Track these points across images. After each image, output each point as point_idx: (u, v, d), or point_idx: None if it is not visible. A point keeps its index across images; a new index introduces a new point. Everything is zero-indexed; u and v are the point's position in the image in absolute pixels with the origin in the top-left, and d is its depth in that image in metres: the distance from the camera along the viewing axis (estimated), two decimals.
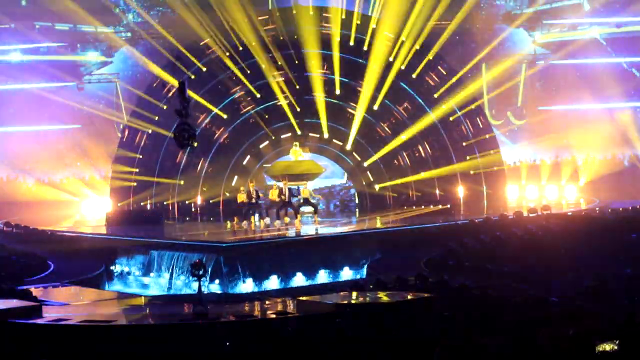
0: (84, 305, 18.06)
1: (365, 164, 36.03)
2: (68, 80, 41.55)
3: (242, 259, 23.91)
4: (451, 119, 35.71)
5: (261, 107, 35.44)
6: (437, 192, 35.39)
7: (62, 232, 30.20)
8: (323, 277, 24.50)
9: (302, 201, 29.75)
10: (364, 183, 36.47)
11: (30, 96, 40.96)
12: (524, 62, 42.61)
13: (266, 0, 37.09)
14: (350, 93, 35.48)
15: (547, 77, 43.16)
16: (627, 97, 42.14)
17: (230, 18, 34.57)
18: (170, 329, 13.58)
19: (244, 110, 35.67)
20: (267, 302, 17.33)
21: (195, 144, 17.31)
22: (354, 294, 16.17)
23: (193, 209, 35.61)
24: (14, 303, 14.93)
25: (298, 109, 35.23)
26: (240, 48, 34.99)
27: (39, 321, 13.71)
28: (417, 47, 35.22)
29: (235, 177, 35.49)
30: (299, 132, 35.31)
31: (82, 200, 41.15)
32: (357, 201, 37.70)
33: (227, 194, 34.95)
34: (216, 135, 35.56)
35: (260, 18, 35.63)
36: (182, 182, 35.19)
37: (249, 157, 35.89)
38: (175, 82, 25.28)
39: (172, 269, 24.52)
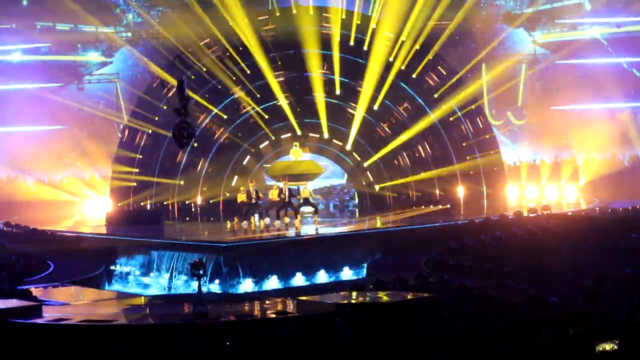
0: (84, 305, 18.04)
1: (365, 164, 36.03)
2: (68, 80, 41.57)
3: (242, 259, 23.91)
4: (451, 119, 35.71)
5: (261, 107, 35.43)
6: (437, 192, 35.38)
7: (62, 232, 30.17)
8: (323, 277, 24.50)
9: (302, 201, 29.74)
10: (364, 183, 36.46)
11: (30, 96, 40.97)
12: (524, 62, 42.60)
13: (266, 0, 37.09)
14: (350, 93, 35.47)
15: (547, 77, 43.15)
16: (627, 97, 42.15)
17: (230, 18, 34.55)
18: (170, 329, 13.57)
19: (244, 110, 35.66)
20: (267, 302, 17.32)
21: (196, 144, 17.32)
22: (354, 294, 16.15)
23: (193, 209, 35.61)
24: (14, 303, 14.92)
25: (298, 109, 35.23)
26: (240, 48, 34.99)
27: (39, 321, 13.70)
28: (417, 47, 35.22)
29: (235, 177, 35.49)
30: (299, 132, 35.31)
31: (82, 200, 41.13)
32: (357, 201, 37.69)
33: (227, 194, 34.94)
34: (216, 135, 35.56)
35: (260, 18, 35.65)
36: (182, 182, 35.19)
37: (249, 157, 35.89)
38: (174, 82, 25.27)
39: (172, 269, 24.52)
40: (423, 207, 34.50)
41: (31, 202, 40.84)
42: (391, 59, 34.94)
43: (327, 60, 35.15)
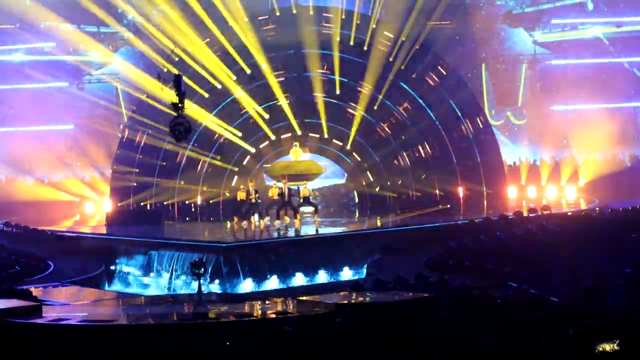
0: (84, 305, 18.05)
1: (365, 164, 36.01)
2: (68, 80, 41.57)
3: (242, 259, 23.93)
4: (451, 119, 35.68)
5: (261, 107, 35.41)
6: (437, 192, 35.36)
7: (62, 232, 30.19)
8: (323, 277, 24.52)
9: (302, 201, 29.75)
10: (364, 183, 36.44)
11: (30, 96, 40.96)
12: (524, 62, 42.60)
13: (266, 0, 37.07)
14: (350, 93, 35.45)
15: (547, 77, 43.15)
16: (627, 97, 42.14)
17: (230, 18, 34.53)
18: (170, 329, 13.58)
19: (244, 110, 35.64)
20: (267, 302, 17.32)
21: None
22: (354, 294, 16.17)
23: (193, 209, 35.59)
24: (14, 303, 14.93)
25: (298, 109, 35.23)
26: (240, 48, 34.97)
27: (39, 321, 13.71)
28: (417, 47, 35.20)
29: (235, 177, 35.48)
30: (299, 132, 35.29)
31: (82, 200, 41.13)
32: (357, 201, 37.68)
33: (227, 194, 34.93)
34: (216, 135, 35.52)
35: (260, 18, 35.63)
36: (182, 182, 35.18)
37: (249, 157, 35.88)
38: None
39: (172, 269, 24.52)
40: (423, 207, 34.48)
41: (31, 202, 40.80)
42: (391, 59, 34.93)
43: (327, 60, 35.12)
